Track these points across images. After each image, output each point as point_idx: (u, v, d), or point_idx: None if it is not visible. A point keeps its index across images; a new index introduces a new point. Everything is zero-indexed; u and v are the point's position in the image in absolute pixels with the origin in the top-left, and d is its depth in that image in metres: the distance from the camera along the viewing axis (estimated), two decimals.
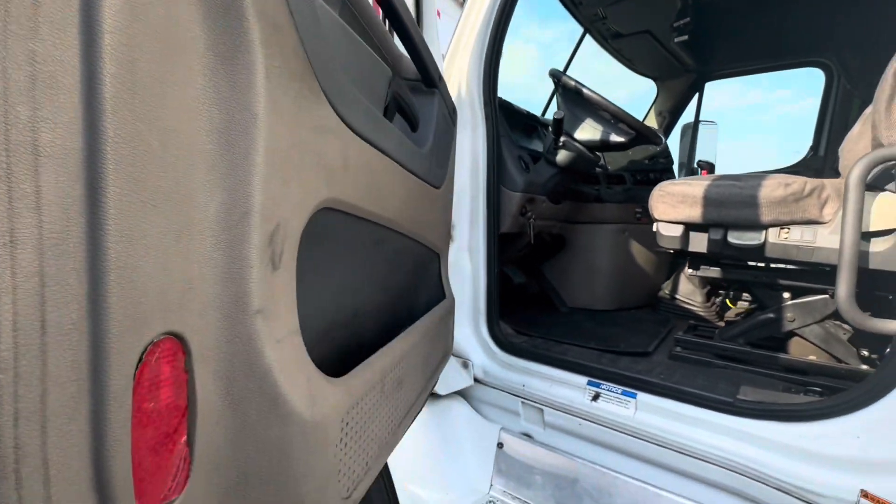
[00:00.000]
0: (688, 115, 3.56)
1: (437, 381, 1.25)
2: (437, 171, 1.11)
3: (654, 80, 3.41)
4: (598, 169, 2.44)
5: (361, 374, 0.63)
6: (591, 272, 2.30)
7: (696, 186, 1.33)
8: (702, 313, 2.20)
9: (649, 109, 3.55)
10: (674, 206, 1.37)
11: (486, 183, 1.67)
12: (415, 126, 0.94)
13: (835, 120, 2.99)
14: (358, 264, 0.79)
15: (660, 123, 3.50)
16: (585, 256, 2.31)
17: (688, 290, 2.26)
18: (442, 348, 1.23)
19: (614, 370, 1.39)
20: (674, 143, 3.56)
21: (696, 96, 3.47)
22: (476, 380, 1.73)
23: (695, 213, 1.33)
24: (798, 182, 1.19)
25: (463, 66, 1.67)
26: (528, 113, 2.18)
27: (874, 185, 1.09)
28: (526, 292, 2.20)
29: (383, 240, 0.86)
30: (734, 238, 1.29)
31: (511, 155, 1.79)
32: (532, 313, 2.14)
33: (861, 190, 0.97)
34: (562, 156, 1.82)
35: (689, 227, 1.39)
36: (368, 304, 0.88)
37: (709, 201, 1.30)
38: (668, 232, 1.40)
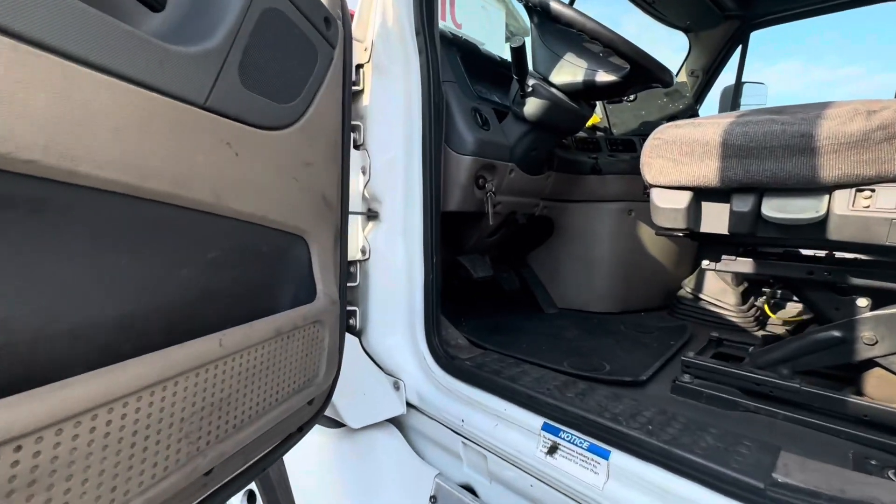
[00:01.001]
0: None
1: (288, 428, 0.83)
2: (262, 103, 0.69)
3: (685, 31, 2.80)
4: (598, 133, 1.93)
5: None
6: (587, 264, 1.81)
7: (710, 127, 0.83)
8: (736, 320, 1.66)
9: (680, 68, 2.95)
10: (675, 160, 0.88)
11: (422, 141, 1.23)
12: (155, 3, 0.52)
13: None
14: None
15: (692, 85, 2.89)
16: (580, 244, 1.82)
17: (717, 289, 1.73)
18: (297, 376, 0.81)
19: (581, 411, 0.93)
20: (711, 109, 2.95)
21: (739, 49, 2.83)
22: (410, 405, 1.30)
23: (708, 172, 0.83)
24: (892, 108, 0.68)
25: None
26: (502, 59, 1.70)
27: None
28: (503, 290, 1.74)
29: (67, 207, 0.44)
30: (773, 209, 0.79)
31: (461, 105, 1.33)
32: (504, 317, 1.68)
33: None
34: (531, 106, 1.34)
35: (700, 193, 0.89)
36: (79, 316, 0.48)
37: (731, 149, 0.80)
38: (668, 203, 0.91)
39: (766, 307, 1.45)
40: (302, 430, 0.91)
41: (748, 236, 0.85)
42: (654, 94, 1.94)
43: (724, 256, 0.99)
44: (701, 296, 1.76)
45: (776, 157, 0.76)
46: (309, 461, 1.31)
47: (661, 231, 0.98)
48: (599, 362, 1.21)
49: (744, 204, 0.82)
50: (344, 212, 1.04)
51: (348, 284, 1.37)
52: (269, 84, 0.70)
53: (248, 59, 0.65)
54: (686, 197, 0.89)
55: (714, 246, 1.00)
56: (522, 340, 1.41)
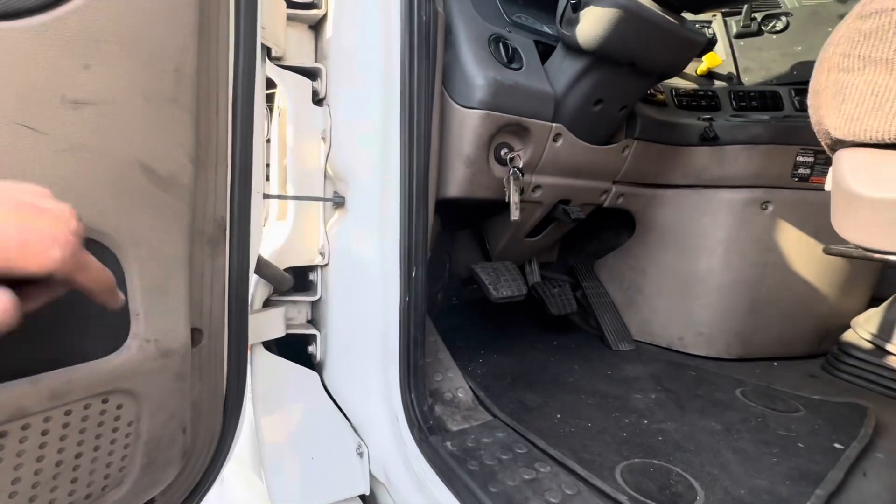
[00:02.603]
0: None
1: None
2: None
3: None
4: (716, 82, 1.27)
5: None
6: (688, 282, 1.20)
7: None
8: None
9: None
10: None
11: (401, 86, 0.78)
12: None
13: None
14: None
15: None
16: (677, 251, 1.22)
17: None
18: (82, 481, 0.44)
19: None
20: None
21: None
22: (374, 476, 0.89)
23: None
24: None
25: None
26: None
27: None
28: (548, 314, 1.23)
29: None
30: None
31: (472, 30, 0.84)
32: (544, 353, 1.17)
33: None
34: (591, 23, 0.80)
35: None
36: None
37: None
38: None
39: None
40: None
41: None
42: (825, 14, 1.21)
43: None
44: (889, 347, 1.06)
45: None
46: None
47: (856, 250, 0.42)
48: (685, 480, 0.67)
49: None
50: (241, 198, 0.65)
51: (308, 299, 0.99)
52: None
53: None
54: None
55: None
56: (558, 403, 0.90)
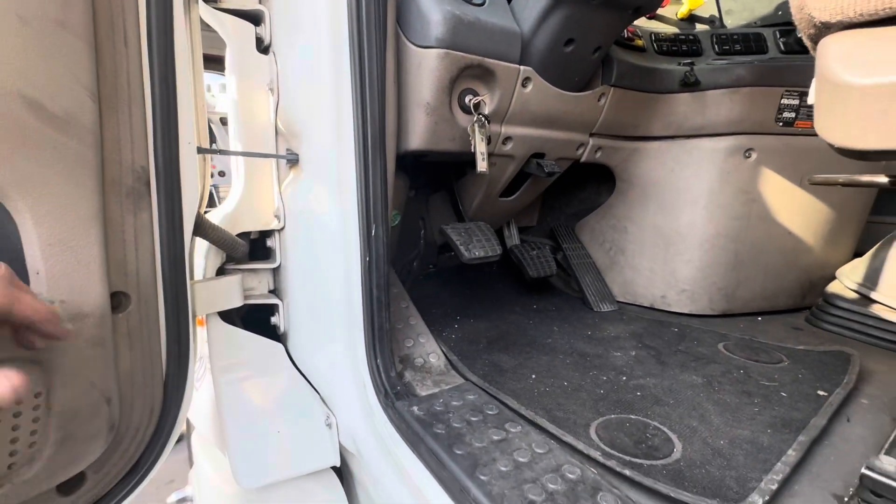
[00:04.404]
0: None
1: None
2: None
3: None
4: (697, 26, 1.20)
5: None
6: (670, 238, 1.16)
7: None
8: None
9: None
10: None
11: (349, 24, 0.71)
12: None
13: None
14: None
15: None
16: (658, 206, 1.17)
17: None
18: None
19: None
20: None
21: None
22: (344, 447, 0.85)
23: None
24: None
25: None
26: None
27: None
28: (527, 277, 1.18)
29: None
30: None
31: None
32: (522, 316, 1.13)
33: None
34: None
35: None
36: None
37: None
38: None
39: None
40: None
41: None
42: None
43: None
44: (874, 295, 1.03)
45: None
46: None
47: (842, 177, 0.41)
48: (662, 433, 0.63)
49: None
50: (165, 147, 0.58)
51: (268, 267, 0.93)
52: None
53: None
54: None
55: None
56: (533, 364, 0.86)
